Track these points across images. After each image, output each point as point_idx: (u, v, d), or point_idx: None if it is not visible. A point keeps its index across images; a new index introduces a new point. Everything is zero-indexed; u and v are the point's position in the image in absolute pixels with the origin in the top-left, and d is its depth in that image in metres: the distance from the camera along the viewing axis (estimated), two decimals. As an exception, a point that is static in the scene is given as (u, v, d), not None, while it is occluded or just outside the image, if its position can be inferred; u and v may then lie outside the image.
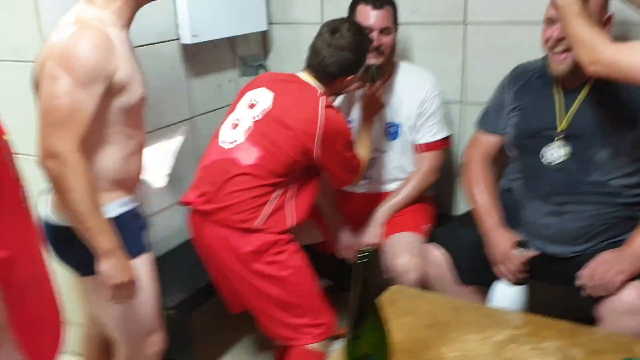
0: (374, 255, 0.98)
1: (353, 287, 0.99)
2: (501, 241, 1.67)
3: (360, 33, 1.74)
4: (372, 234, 1.96)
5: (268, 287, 1.68)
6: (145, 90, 1.44)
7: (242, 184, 1.66)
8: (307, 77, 1.74)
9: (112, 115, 1.38)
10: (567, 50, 1.54)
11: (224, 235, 1.68)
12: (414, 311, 1.32)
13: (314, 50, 1.72)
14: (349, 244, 1.99)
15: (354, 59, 1.70)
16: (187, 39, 2.02)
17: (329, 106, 1.67)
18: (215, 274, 1.82)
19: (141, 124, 1.50)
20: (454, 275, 1.75)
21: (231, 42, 2.28)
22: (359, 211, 2.08)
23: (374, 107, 1.89)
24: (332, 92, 1.78)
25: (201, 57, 2.16)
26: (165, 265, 2.05)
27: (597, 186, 1.62)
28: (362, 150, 1.86)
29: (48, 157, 1.27)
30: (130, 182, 1.50)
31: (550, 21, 1.60)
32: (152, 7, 1.49)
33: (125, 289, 1.39)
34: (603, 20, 1.56)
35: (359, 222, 2.05)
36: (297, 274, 1.69)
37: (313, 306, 1.72)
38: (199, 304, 1.99)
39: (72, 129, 1.28)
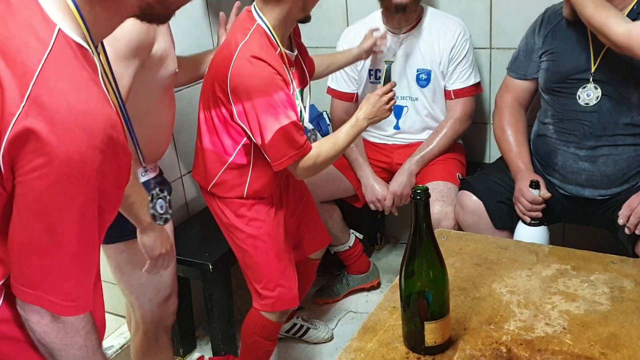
0: (428, 193, 0.99)
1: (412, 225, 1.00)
2: (522, 182, 1.67)
3: None
4: (403, 185, 1.95)
5: (237, 248, 1.65)
6: (176, 66, 1.39)
7: (201, 147, 1.57)
8: (254, 7, 1.46)
9: (146, 89, 1.32)
10: None
11: (206, 198, 1.66)
12: (460, 252, 1.33)
13: None
14: (380, 196, 1.99)
15: None
16: (211, -6, 2.00)
17: (255, 57, 1.38)
18: None
19: (172, 98, 1.47)
20: (488, 221, 1.76)
21: (252, -3, 2.24)
22: (390, 162, 2.08)
23: (378, 112, 1.56)
24: (284, 21, 1.44)
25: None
26: (202, 222, 2.08)
27: (632, 127, 1.61)
28: (335, 142, 1.51)
29: None
30: (153, 154, 1.47)
31: None
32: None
33: (163, 259, 1.40)
34: None
35: (390, 173, 2.05)
36: (262, 239, 1.60)
37: (272, 275, 1.64)
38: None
39: None
